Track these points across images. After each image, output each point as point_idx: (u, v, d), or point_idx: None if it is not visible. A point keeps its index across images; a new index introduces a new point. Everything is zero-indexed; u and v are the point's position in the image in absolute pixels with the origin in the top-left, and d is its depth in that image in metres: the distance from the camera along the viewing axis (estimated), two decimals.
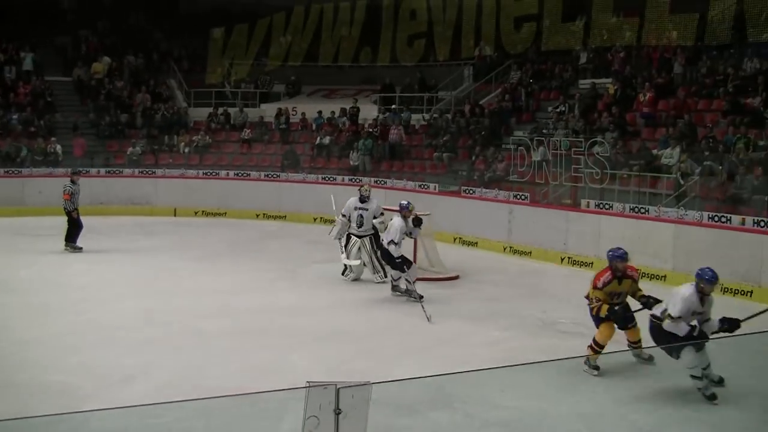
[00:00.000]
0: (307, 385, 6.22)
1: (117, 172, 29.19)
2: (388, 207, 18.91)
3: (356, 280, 18.09)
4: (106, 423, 9.29)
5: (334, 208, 19.67)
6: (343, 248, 18.18)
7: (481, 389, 10.46)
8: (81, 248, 20.89)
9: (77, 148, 30.15)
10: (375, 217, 18.12)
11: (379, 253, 17.66)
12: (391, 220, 16.55)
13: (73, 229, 21.30)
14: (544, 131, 24.86)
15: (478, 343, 13.26)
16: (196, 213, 27.91)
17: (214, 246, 22.19)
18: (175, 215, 27.55)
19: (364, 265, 18.09)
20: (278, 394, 8.80)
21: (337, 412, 5.94)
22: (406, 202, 16.59)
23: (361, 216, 18.00)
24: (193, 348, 12.47)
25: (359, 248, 18.06)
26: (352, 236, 18.12)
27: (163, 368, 11.37)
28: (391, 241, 15.85)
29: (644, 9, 24.70)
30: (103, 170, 29.15)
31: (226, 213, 27.86)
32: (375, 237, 18.08)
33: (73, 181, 21.76)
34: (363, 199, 18.11)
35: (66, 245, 20.95)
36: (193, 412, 9.85)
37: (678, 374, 10.57)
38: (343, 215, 18.21)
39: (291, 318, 14.45)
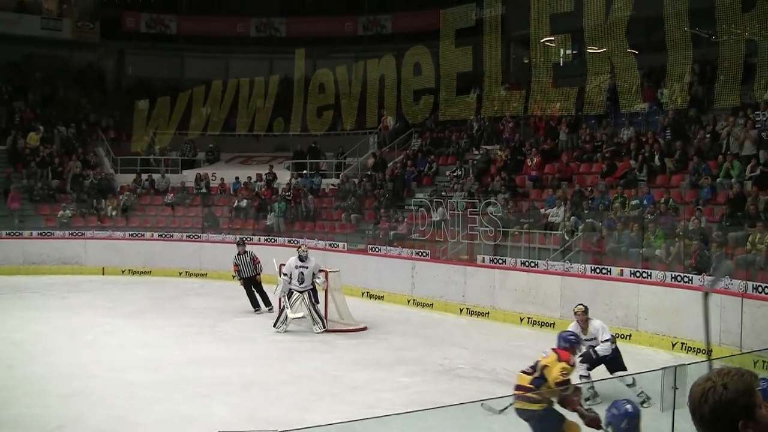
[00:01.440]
0: None
1: (49, 234, 28.57)
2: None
3: (287, 331, 18.01)
4: None
5: (276, 269, 19.61)
6: (288, 304, 18.08)
7: None
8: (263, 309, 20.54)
9: (12, 202, 29.77)
10: (314, 274, 18.14)
11: (317, 305, 17.99)
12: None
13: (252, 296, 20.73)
14: (443, 193, 25.14)
15: (386, 388, 13.27)
16: (123, 272, 27.48)
17: (140, 303, 21.86)
18: (103, 274, 27.09)
19: (303, 317, 18.05)
20: None
21: None
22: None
23: (302, 273, 18.01)
24: (120, 398, 12.27)
25: (300, 302, 18.04)
26: (294, 292, 18.09)
27: (93, 418, 11.17)
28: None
29: (530, 83, 25.20)
30: (35, 232, 28.56)
31: (151, 271, 27.49)
32: (313, 292, 18.17)
33: (238, 253, 21.00)
34: (302, 258, 18.15)
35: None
36: None
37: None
38: (285, 275, 18.21)
39: (212, 369, 14.30)
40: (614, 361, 12.03)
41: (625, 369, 12.10)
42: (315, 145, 32.45)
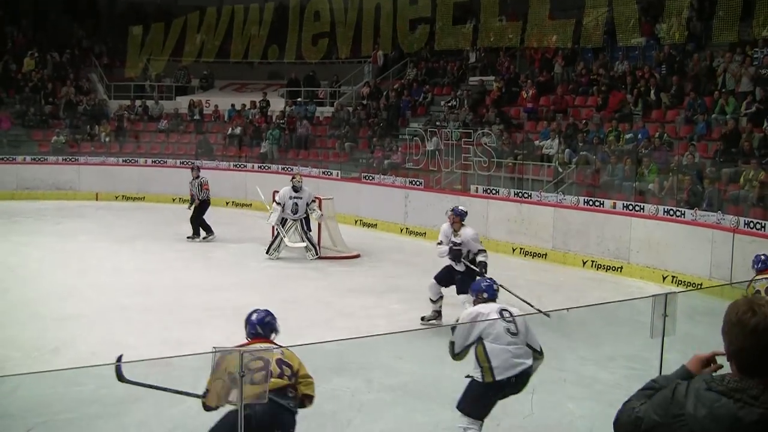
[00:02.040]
0: (214, 350, 6.29)
1: (42, 159, 28.52)
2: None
3: (279, 258, 18.09)
4: (34, 389, 9.18)
5: (262, 198, 19.67)
6: (283, 232, 18.09)
7: (379, 356, 10.56)
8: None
9: (3, 122, 29.86)
10: (308, 204, 18.06)
11: (310, 233, 18.05)
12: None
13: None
14: (437, 123, 25.03)
15: (378, 315, 13.36)
16: (116, 197, 27.45)
17: (133, 228, 21.85)
18: (97, 200, 27.08)
19: (306, 247, 18.08)
20: (191, 362, 8.80)
21: (241, 374, 5.97)
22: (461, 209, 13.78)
23: (296, 204, 17.95)
24: (114, 322, 12.33)
25: (294, 230, 18.14)
26: (288, 220, 18.13)
27: (87, 340, 11.23)
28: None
29: (527, 14, 24.97)
30: (29, 157, 28.50)
31: (144, 197, 27.48)
32: (305, 219, 18.17)
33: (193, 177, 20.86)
34: (296, 189, 18.02)
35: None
36: (113, 380, 9.78)
37: (561, 339, 10.78)
38: (278, 203, 18.09)
39: (205, 295, 14.36)
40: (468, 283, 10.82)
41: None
42: (313, 74, 32.26)
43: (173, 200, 27.21)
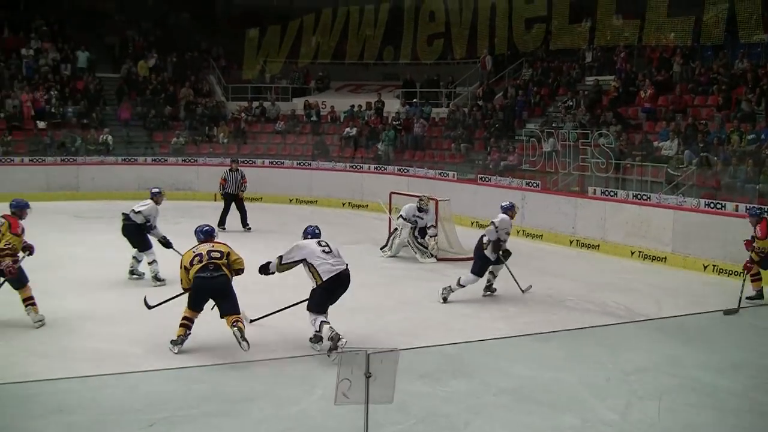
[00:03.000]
0: (340, 351, 6.37)
1: (162, 160, 29.43)
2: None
3: (392, 257, 18.52)
4: (155, 386, 9.44)
5: (388, 214, 20.15)
6: (409, 236, 18.56)
7: (496, 359, 10.59)
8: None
9: (123, 112, 31.27)
10: (427, 226, 18.33)
11: (418, 239, 18.44)
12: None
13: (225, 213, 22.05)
14: (554, 124, 24.88)
15: (495, 317, 13.37)
16: None
17: (253, 227, 22.29)
18: (215, 200, 27.50)
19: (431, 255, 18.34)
20: (311, 360, 8.93)
21: (368, 375, 6.07)
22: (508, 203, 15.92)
23: (416, 222, 18.35)
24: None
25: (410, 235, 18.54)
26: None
27: (209, 340, 11.43)
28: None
29: (645, 12, 24.59)
30: (149, 158, 29.40)
31: (261, 198, 27.89)
32: (421, 231, 18.53)
33: (231, 170, 22.53)
34: (421, 209, 18.31)
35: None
36: (233, 378, 10.00)
37: (680, 346, 10.67)
38: (404, 219, 18.40)
39: None
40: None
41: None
42: (437, 78, 32.37)
43: (290, 201, 27.70)
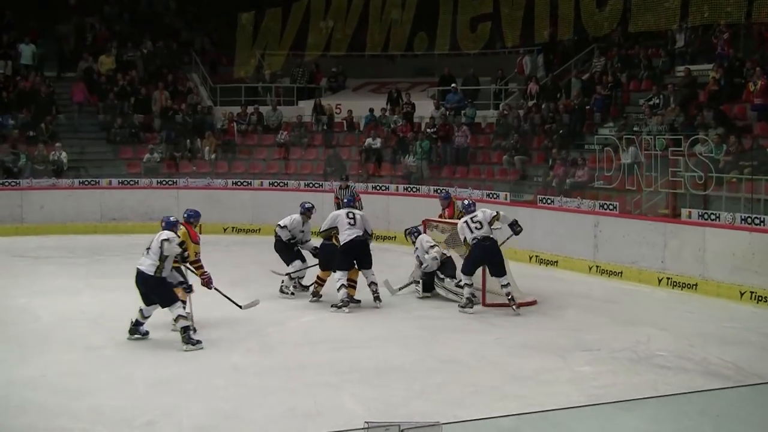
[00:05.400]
0: (366, 426, 6.23)
1: (132, 183, 29.42)
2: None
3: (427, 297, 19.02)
4: None
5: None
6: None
7: None
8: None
9: (77, 93, 31.73)
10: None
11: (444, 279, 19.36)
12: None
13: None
14: (635, 128, 24.69)
15: (562, 380, 13.16)
16: (224, 229, 28.01)
17: (246, 268, 22.19)
18: (200, 232, 27.44)
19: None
20: None
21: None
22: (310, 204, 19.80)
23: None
24: (222, 388, 12.46)
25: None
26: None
27: (191, 411, 11.36)
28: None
29: None
30: (115, 181, 29.39)
31: (260, 229, 27.86)
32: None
33: (341, 187, 24.22)
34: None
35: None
36: None
37: None
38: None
39: (338, 351, 14.48)
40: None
41: None
42: (473, 74, 32.28)
43: None
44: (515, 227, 18.07)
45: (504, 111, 29.59)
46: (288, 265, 18.96)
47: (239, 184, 29.32)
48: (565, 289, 19.99)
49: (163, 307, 14.77)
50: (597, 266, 21.76)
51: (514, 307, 17.23)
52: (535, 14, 30.30)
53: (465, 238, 17.68)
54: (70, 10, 36.39)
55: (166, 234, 15.05)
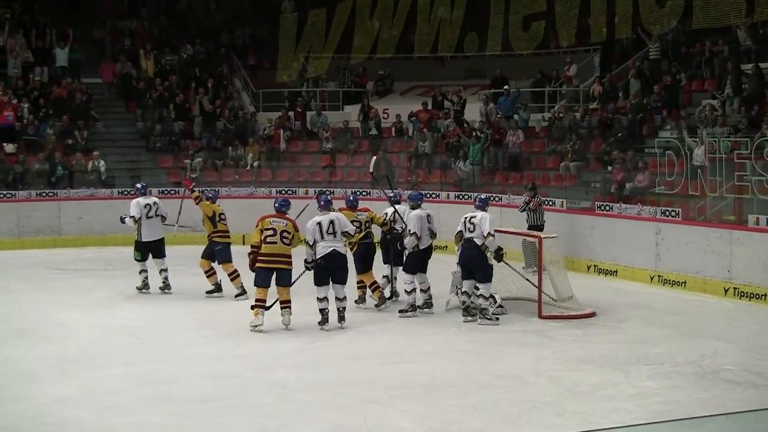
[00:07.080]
0: None
1: (173, 192, 29.30)
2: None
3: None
4: None
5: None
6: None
7: None
8: None
9: (106, 72, 32.28)
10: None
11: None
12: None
13: None
14: (698, 130, 24.53)
15: (623, 395, 13.06)
16: None
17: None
18: (243, 243, 27.24)
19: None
20: None
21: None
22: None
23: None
24: (268, 405, 12.46)
25: None
26: None
27: (235, 429, 11.37)
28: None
29: None
30: (154, 190, 29.26)
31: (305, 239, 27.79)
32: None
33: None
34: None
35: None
36: None
37: None
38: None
39: (386, 368, 14.44)
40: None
41: None
42: (541, 76, 32.17)
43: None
44: (498, 253, 17.55)
45: (559, 113, 29.46)
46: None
47: (284, 192, 29.30)
48: (626, 301, 19.91)
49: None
50: (659, 276, 21.65)
51: (478, 320, 17.52)
52: (591, 12, 30.14)
53: (460, 231, 17.99)
54: (106, 15, 36.57)
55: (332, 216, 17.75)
